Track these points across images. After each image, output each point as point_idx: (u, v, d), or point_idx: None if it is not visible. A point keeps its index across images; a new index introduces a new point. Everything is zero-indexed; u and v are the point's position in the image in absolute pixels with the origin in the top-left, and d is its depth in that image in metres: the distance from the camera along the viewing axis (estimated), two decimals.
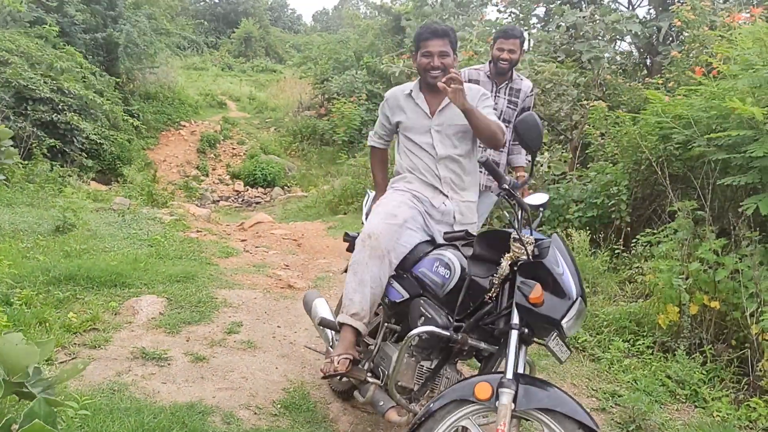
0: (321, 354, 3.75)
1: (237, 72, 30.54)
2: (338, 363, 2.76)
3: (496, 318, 2.44)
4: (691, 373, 3.86)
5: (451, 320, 2.58)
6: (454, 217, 3.01)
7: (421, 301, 2.71)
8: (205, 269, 5.57)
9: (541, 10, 10.95)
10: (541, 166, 6.49)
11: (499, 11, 11.22)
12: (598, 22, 8.20)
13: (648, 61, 9.74)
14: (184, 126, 18.44)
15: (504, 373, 2.20)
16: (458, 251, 2.70)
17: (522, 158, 4.48)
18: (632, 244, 5.31)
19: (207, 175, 16.49)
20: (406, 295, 2.82)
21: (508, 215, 2.51)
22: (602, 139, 6.68)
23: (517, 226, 2.39)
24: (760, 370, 3.70)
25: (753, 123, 4.05)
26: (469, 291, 2.56)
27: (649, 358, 4.12)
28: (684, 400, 3.74)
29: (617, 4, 10.88)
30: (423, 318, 2.65)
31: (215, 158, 17.45)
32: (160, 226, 7.19)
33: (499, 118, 3.15)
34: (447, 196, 3.01)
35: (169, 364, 3.59)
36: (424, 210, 2.97)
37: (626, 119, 5.78)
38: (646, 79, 8.29)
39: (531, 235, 2.40)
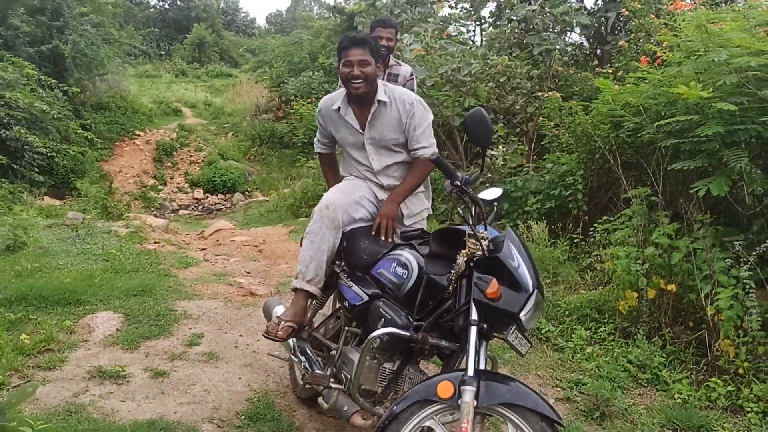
0: (285, 361, 3.70)
1: (191, 78, 30.05)
2: (281, 329, 2.94)
3: (455, 315, 2.42)
4: (652, 357, 3.92)
5: (411, 320, 2.56)
6: (402, 213, 3.08)
7: (381, 303, 2.68)
8: (164, 281, 5.45)
9: (492, 5, 11.05)
10: (497, 159, 6.52)
11: (450, 7, 11.24)
12: (547, 14, 8.29)
13: (598, 51, 9.89)
14: (139, 135, 18.06)
15: (465, 370, 2.19)
16: (415, 250, 2.69)
17: None
18: (590, 233, 5.37)
19: (165, 185, 16.20)
20: (366, 298, 2.79)
21: (461, 211, 2.50)
22: (557, 130, 6.75)
23: (471, 222, 2.38)
24: (718, 350, 3.78)
25: (699, 108, 4.13)
26: (427, 289, 2.55)
27: (611, 345, 4.17)
28: (646, 385, 3.80)
29: None
30: (383, 319, 2.62)
31: (173, 167, 17.16)
32: (116, 239, 7.03)
33: None
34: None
35: (127, 382, 3.51)
36: (375, 196, 3.10)
37: (578, 109, 5.85)
38: (597, 68, 8.42)
39: (486, 230, 2.40)
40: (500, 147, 6.76)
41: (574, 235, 5.58)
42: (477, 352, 2.23)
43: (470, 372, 2.17)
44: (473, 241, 2.36)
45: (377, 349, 2.60)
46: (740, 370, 3.63)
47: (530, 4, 8.91)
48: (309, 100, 15.91)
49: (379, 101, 2.98)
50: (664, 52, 4.80)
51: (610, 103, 5.06)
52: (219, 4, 45.80)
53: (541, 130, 7.21)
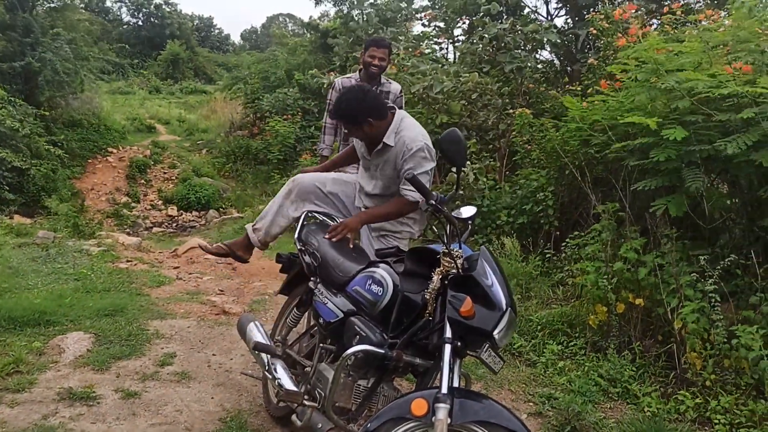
0: (258, 380, 3.69)
1: (165, 94, 29.94)
2: (214, 247, 3.65)
3: (430, 333, 2.44)
4: (622, 370, 3.97)
5: (386, 337, 2.57)
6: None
7: (355, 320, 2.70)
8: (136, 300, 5.39)
9: (464, 24, 11.21)
10: (468, 175, 6.57)
11: (423, 25, 11.40)
12: (518, 33, 8.43)
13: (568, 69, 10.07)
14: (112, 152, 17.90)
15: (439, 388, 2.21)
16: (390, 268, 2.71)
17: None
18: (562, 248, 5.44)
19: (138, 202, 16.04)
20: (341, 315, 2.80)
21: (435, 230, 2.53)
22: (528, 146, 6.84)
23: (446, 241, 2.41)
24: (685, 363, 3.85)
25: (654, 131, 4.24)
26: (402, 307, 2.56)
27: (582, 359, 4.22)
28: (616, 398, 3.84)
29: (536, 15, 11.24)
30: (358, 337, 2.63)
31: (146, 184, 16.99)
32: (87, 258, 6.93)
33: None
34: None
35: (98, 403, 3.46)
36: (352, 202, 3.37)
37: (549, 126, 5.94)
38: (567, 86, 8.56)
39: (460, 248, 2.43)
40: (474, 164, 6.83)
41: (546, 250, 5.65)
42: (451, 370, 2.23)
43: (444, 389, 2.17)
44: (448, 259, 2.39)
45: (352, 366, 2.60)
46: (707, 383, 3.69)
47: (501, 22, 9.06)
48: (285, 116, 15.91)
49: (384, 144, 3.13)
50: (623, 77, 4.93)
51: (578, 122, 5.15)
52: (193, 21, 45.75)
53: (513, 147, 7.31)
